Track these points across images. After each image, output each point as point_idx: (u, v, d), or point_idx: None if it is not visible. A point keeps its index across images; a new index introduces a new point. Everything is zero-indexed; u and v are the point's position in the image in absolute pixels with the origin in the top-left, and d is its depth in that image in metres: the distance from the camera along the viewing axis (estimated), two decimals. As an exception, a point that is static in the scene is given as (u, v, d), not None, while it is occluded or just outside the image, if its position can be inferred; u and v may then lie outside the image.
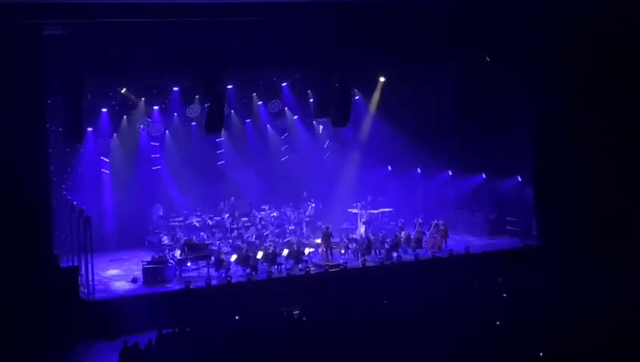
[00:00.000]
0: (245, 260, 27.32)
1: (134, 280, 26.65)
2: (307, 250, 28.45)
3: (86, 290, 25.28)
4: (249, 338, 19.89)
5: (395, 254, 29.01)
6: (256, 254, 27.68)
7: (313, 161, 35.32)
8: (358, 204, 32.64)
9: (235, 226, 31.28)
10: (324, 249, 28.89)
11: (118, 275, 27.72)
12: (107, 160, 31.50)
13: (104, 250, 29.47)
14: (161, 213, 32.26)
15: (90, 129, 30.04)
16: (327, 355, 19.25)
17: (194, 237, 29.90)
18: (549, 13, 27.95)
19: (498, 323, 20.40)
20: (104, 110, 30.39)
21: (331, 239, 29.11)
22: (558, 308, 21.31)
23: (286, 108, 34.31)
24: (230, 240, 30.29)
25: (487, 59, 30.66)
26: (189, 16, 24.36)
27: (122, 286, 26.51)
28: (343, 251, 29.35)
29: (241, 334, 20.43)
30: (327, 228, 29.33)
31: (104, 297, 25.21)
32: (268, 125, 34.70)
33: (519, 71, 30.00)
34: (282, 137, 35.17)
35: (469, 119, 32.35)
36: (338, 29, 26.47)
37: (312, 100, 33.55)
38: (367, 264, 28.37)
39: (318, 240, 29.56)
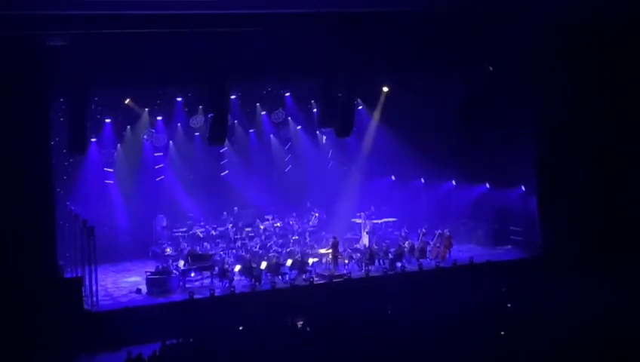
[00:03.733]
0: (249, 270, 27.30)
1: (138, 291, 26.65)
2: (311, 260, 28.42)
3: (90, 301, 25.27)
4: (253, 349, 19.87)
5: (398, 264, 28.97)
6: (259, 264, 27.66)
7: (317, 171, 35.30)
8: (362, 213, 32.68)
9: (238, 236, 31.27)
10: (331, 259, 28.83)
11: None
12: (111, 170, 31.52)
13: (108, 260, 29.43)
14: (164, 224, 32.22)
15: (93, 139, 30.14)
16: (332, 366, 19.25)
17: (198, 247, 29.90)
18: (552, 22, 27.98)
19: (502, 333, 20.36)
20: (108, 120, 30.46)
21: (338, 249, 29.09)
22: (562, 318, 21.26)
23: (289, 118, 34.34)
24: (234, 251, 30.29)
25: (490, 68, 30.70)
26: (192, 26, 24.43)
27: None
28: (346, 261, 29.33)
29: (245, 344, 20.41)
30: (335, 237, 29.29)
31: (108, 308, 25.20)
32: (271, 135, 34.70)
33: (522, 80, 30.02)
34: (286, 147, 35.17)
35: (472, 129, 32.37)
36: (341, 39, 26.55)
37: (315, 110, 33.63)
38: (371, 274, 28.34)
39: (326, 250, 29.50)
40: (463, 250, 31.49)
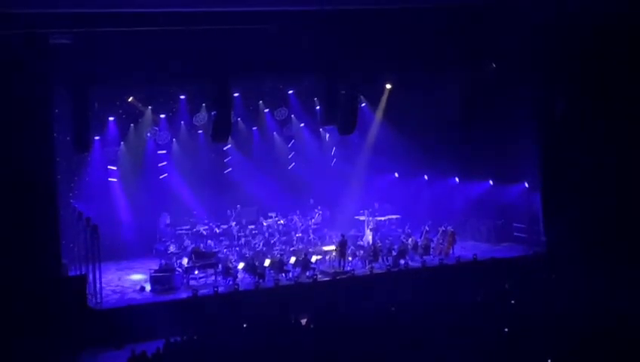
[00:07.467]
0: (253, 268, 27.33)
1: (142, 289, 26.69)
2: (314, 258, 28.44)
3: (94, 299, 25.31)
4: (257, 346, 19.88)
5: (402, 261, 28.99)
6: (263, 262, 27.70)
7: (320, 169, 35.32)
8: (365, 211, 32.68)
9: (242, 234, 31.30)
10: (339, 256, 28.81)
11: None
12: (114, 168, 31.54)
13: (111, 258, 29.43)
14: (168, 222, 32.25)
15: (97, 137, 30.15)
16: (335, 363, 19.27)
17: (201, 245, 29.89)
18: (553, 19, 27.95)
19: (506, 330, 20.37)
20: (111, 118, 30.47)
21: (346, 247, 29.04)
22: (566, 315, 21.26)
23: (292, 115, 34.34)
24: (237, 248, 30.31)
25: (493, 65, 30.68)
26: (195, 24, 24.44)
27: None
28: (350, 258, 29.34)
29: (249, 342, 20.42)
30: (343, 235, 29.29)
31: (112, 305, 25.24)
32: (274, 133, 34.72)
33: (524, 77, 30.00)
34: (289, 145, 35.20)
35: (475, 125, 32.35)
36: (344, 37, 26.55)
37: (318, 108, 33.61)
38: (375, 271, 28.36)
39: (331, 247, 29.50)
40: (467, 246, 31.50)
